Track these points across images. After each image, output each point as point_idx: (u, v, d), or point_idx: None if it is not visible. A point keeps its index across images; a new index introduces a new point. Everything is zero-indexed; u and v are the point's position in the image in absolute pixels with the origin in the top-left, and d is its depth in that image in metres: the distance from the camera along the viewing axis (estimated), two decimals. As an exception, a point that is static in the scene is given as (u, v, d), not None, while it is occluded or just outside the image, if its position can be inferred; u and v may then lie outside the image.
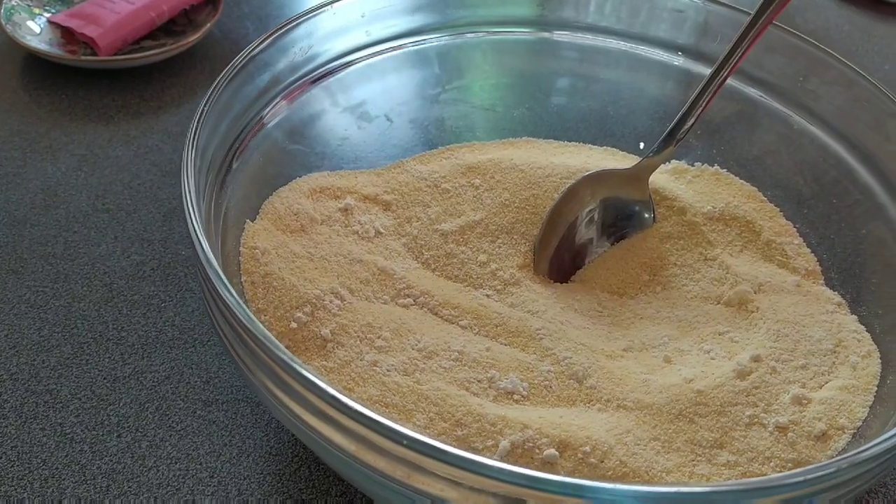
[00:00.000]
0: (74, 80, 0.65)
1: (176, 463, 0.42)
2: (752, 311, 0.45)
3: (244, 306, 0.32)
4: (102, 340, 0.48)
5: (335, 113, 0.54)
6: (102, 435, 0.43)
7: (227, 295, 0.32)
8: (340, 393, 0.29)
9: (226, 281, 0.32)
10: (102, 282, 0.51)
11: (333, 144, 0.53)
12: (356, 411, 0.28)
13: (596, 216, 0.50)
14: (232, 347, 0.33)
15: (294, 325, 0.41)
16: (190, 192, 0.36)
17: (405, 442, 0.28)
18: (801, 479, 0.28)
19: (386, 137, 0.55)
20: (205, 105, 0.40)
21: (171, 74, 0.67)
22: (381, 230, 0.48)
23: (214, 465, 0.42)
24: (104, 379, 0.46)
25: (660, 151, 0.49)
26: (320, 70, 0.52)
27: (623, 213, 0.50)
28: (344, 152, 0.54)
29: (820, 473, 0.28)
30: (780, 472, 0.37)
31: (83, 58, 0.64)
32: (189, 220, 0.35)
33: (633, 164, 0.50)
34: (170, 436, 0.43)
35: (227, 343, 0.34)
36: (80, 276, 0.51)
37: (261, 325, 0.31)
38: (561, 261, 0.49)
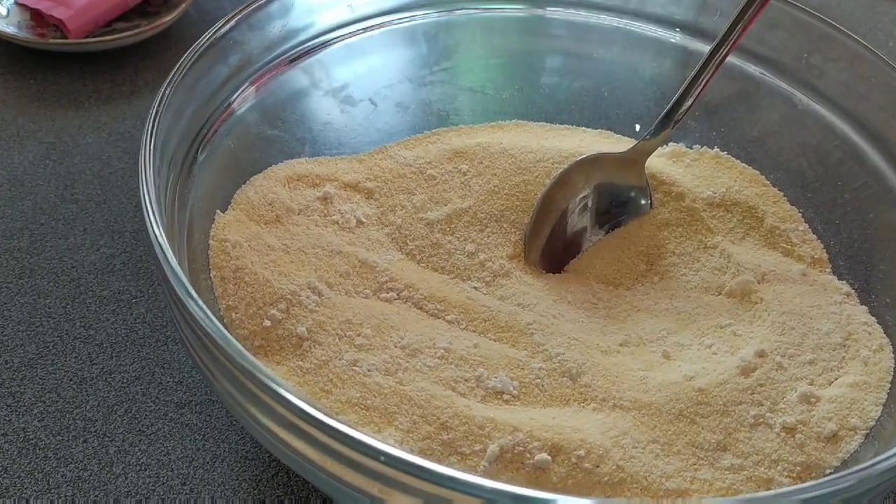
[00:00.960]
0: (43, 64, 0.63)
1: (146, 469, 0.40)
2: (756, 303, 0.43)
3: (202, 306, 0.29)
4: (69, 339, 0.46)
5: (317, 96, 0.52)
6: (68, 440, 0.41)
7: (184, 294, 0.29)
8: (310, 404, 0.26)
9: (182, 276, 0.30)
10: (70, 277, 0.49)
11: (315, 129, 0.51)
12: (327, 425, 0.26)
13: (590, 203, 0.48)
14: (194, 352, 0.31)
15: (267, 322, 0.39)
16: (148, 181, 0.33)
17: (382, 458, 0.26)
18: (820, 492, 0.25)
19: (370, 122, 0.53)
20: (166, 87, 0.38)
21: (144, 57, 0.65)
22: (363, 220, 0.46)
23: (187, 471, 0.40)
24: (70, 380, 0.44)
25: (657, 134, 0.47)
26: (298, 49, 0.50)
27: (618, 200, 0.48)
28: (326, 138, 0.51)
29: (839, 486, 0.25)
30: (789, 476, 0.35)
31: (52, 41, 0.62)
32: (146, 211, 0.32)
33: (629, 148, 0.48)
34: (139, 440, 0.41)
35: (188, 348, 0.31)
36: (46, 271, 0.49)
37: (222, 328, 0.29)
38: (553, 250, 0.47)
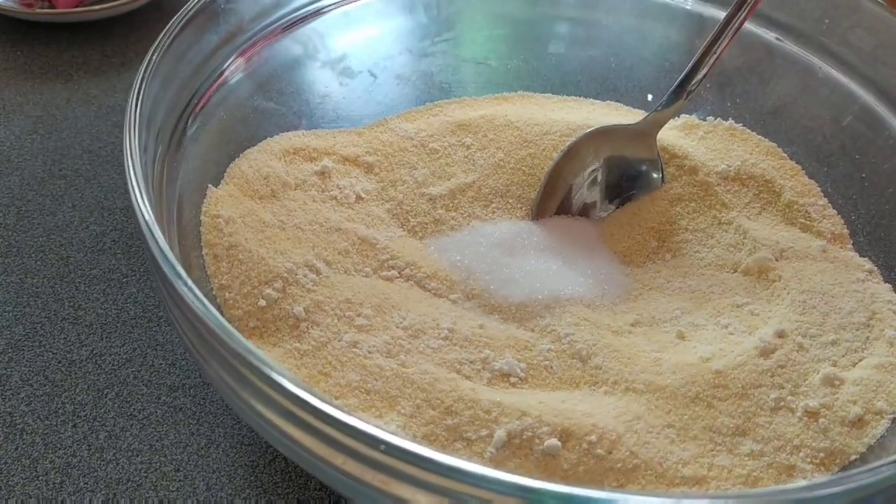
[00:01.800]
0: (30, 35, 0.62)
1: (137, 455, 0.39)
2: (774, 281, 0.41)
3: (191, 286, 0.27)
4: (57, 320, 0.44)
5: (313, 67, 0.51)
6: (56, 425, 0.40)
7: (172, 273, 0.27)
8: (306, 390, 0.25)
9: (170, 254, 0.28)
10: (58, 255, 0.47)
11: (312, 102, 0.50)
12: (324, 412, 0.24)
13: (599, 177, 0.46)
14: (185, 336, 0.29)
15: (262, 302, 0.37)
16: (133, 154, 0.31)
17: (382, 447, 0.24)
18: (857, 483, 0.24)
19: (370, 94, 0.52)
20: (153, 54, 0.35)
21: (135, 27, 0.63)
22: (363, 195, 0.44)
23: (180, 457, 0.39)
24: (58, 363, 0.42)
25: (669, 105, 0.45)
26: (292, 16, 0.48)
27: (629, 174, 0.46)
28: (324, 110, 0.50)
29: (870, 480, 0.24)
30: (812, 462, 0.33)
31: (40, 11, 0.61)
32: (130, 185, 0.30)
33: (640, 120, 0.46)
34: (131, 425, 0.40)
35: (179, 330, 0.29)
36: (33, 249, 0.48)
37: (213, 310, 0.27)
38: None
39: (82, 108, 0.57)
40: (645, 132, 0.46)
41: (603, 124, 0.47)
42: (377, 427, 0.24)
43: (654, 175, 0.46)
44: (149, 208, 0.30)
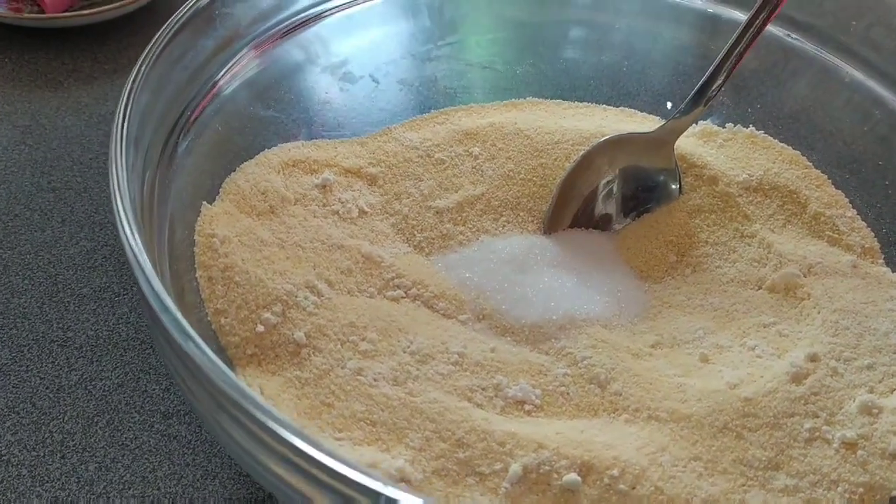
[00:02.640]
0: (19, 40, 0.61)
1: (129, 488, 0.37)
2: (803, 299, 0.39)
3: (178, 316, 0.25)
4: (45, 342, 0.43)
5: (314, 73, 0.50)
6: (44, 456, 0.38)
7: (157, 303, 0.25)
8: (303, 438, 0.23)
9: (155, 282, 0.26)
10: (47, 273, 0.46)
11: (312, 109, 0.49)
12: (322, 464, 0.22)
13: (615, 188, 0.44)
14: (176, 371, 0.27)
15: (261, 328, 0.35)
16: (119, 169, 0.29)
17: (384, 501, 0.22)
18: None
19: (371, 101, 0.50)
20: (142, 64, 0.33)
21: (128, 33, 0.62)
22: (366, 209, 0.42)
23: (175, 489, 0.37)
24: (46, 388, 0.41)
25: (687, 112, 0.44)
26: (292, 21, 0.47)
27: (645, 185, 0.44)
28: (324, 118, 0.49)
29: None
30: (850, 498, 0.31)
31: (28, 16, 0.59)
32: (115, 204, 0.28)
33: (656, 127, 0.45)
34: (122, 455, 0.38)
35: (169, 366, 0.27)
36: (20, 267, 0.46)
37: (203, 346, 0.25)
38: None
39: (72, 116, 0.55)
40: (662, 140, 0.44)
41: (617, 132, 0.45)
42: (373, 472, 0.22)
43: (673, 186, 0.44)
44: (136, 233, 0.28)
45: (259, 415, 0.23)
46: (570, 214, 0.44)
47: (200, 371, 0.24)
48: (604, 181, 0.44)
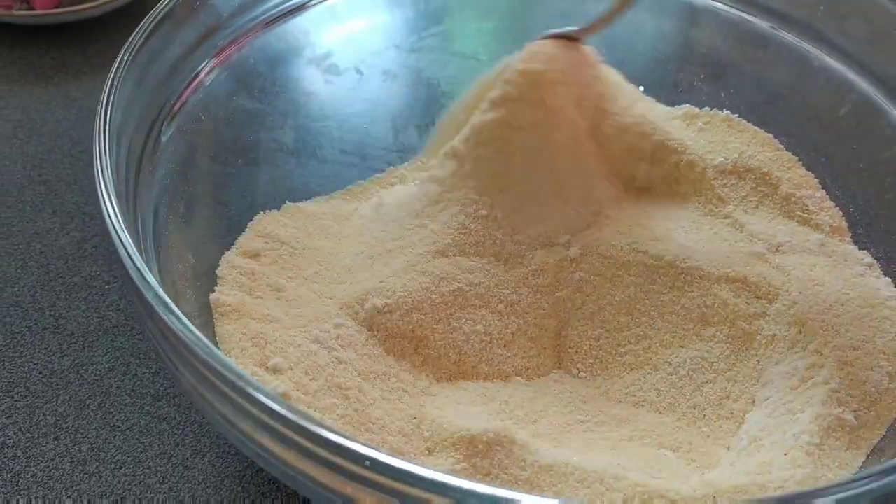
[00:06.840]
0: (8, 37, 0.61)
1: (121, 468, 0.38)
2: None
3: (160, 290, 0.26)
4: (38, 329, 0.43)
5: (298, 65, 0.50)
6: (37, 437, 0.39)
7: (138, 277, 0.26)
8: (286, 407, 0.24)
9: (135, 255, 0.27)
10: (38, 262, 0.47)
11: (298, 101, 0.49)
12: (306, 428, 0.23)
13: None
14: (160, 347, 0.28)
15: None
16: (103, 159, 0.30)
17: (367, 463, 0.23)
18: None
19: (356, 92, 0.50)
20: (125, 52, 0.34)
21: (117, 28, 0.62)
22: None
23: (165, 468, 0.38)
24: (39, 373, 0.42)
25: None
26: (275, 11, 0.47)
27: None
28: (310, 109, 0.49)
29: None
30: None
31: (18, 12, 0.60)
32: (99, 192, 0.29)
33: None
34: (114, 436, 0.39)
35: (154, 343, 0.28)
36: (13, 257, 0.47)
37: (186, 322, 0.26)
38: None
39: (63, 111, 0.56)
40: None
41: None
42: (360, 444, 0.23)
43: None
44: (121, 219, 0.28)
45: (242, 384, 0.24)
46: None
47: (183, 344, 0.25)
48: None
